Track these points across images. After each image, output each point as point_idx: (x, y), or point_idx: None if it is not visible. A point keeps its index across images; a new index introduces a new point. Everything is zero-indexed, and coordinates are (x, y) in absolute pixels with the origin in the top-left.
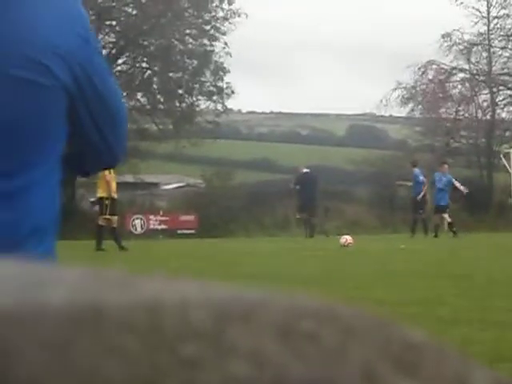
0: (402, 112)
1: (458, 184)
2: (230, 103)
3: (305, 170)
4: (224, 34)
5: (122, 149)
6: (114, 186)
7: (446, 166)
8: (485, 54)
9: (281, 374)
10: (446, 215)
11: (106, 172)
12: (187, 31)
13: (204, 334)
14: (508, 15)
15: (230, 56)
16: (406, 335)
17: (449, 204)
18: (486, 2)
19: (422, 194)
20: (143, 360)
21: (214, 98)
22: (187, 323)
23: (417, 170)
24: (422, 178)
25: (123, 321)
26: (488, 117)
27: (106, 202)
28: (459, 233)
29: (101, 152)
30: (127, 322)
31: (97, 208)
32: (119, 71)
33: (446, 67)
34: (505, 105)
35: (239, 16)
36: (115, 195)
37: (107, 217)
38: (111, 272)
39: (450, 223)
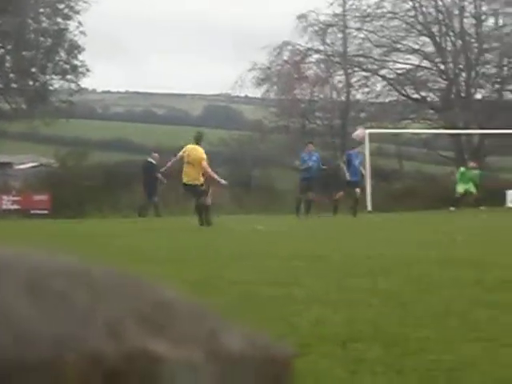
0: (258, 93)
1: None
2: (85, 82)
3: (148, 159)
4: (78, 12)
5: None
6: None
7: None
8: (340, 35)
9: (26, 330)
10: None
11: None
12: (41, 10)
13: None
14: None
15: (85, 35)
16: (157, 294)
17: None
18: None
19: None
20: None
21: (68, 76)
22: None
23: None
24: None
25: None
26: (343, 98)
27: None
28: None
29: None
30: None
31: None
32: None
33: (301, 48)
34: (360, 86)
35: None
36: None
37: None
38: None
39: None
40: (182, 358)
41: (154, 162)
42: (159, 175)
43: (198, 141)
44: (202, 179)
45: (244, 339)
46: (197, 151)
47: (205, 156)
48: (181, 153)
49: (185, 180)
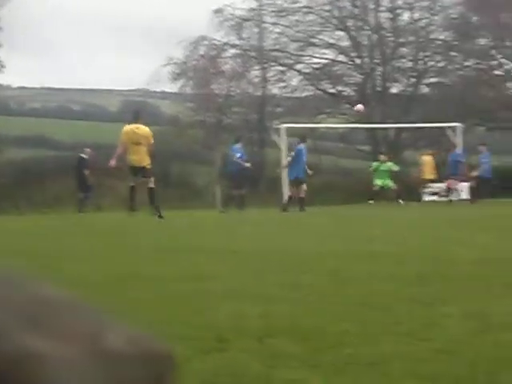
0: (174, 88)
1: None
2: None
3: (81, 155)
4: None
5: None
6: None
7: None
8: (256, 30)
9: None
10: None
11: None
12: None
13: None
14: None
15: (2, 30)
16: (39, 292)
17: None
18: None
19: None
20: None
21: None
22: None
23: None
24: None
25: None
26: (259, 93)
27: None
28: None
29: None
30: None
31: None
32: None
33: (217, 43)
34: (276, 81)
35: None
36: None
37: None
38: None
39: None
40: (63, 356)
41: (85, 157)
42: (87, 172)
43: (137, 119)
44: (149, 160)
45: (127, 338)
46: (142, 130)
47: (151, 133)
48: (122, 137)
49: (133, 162)
